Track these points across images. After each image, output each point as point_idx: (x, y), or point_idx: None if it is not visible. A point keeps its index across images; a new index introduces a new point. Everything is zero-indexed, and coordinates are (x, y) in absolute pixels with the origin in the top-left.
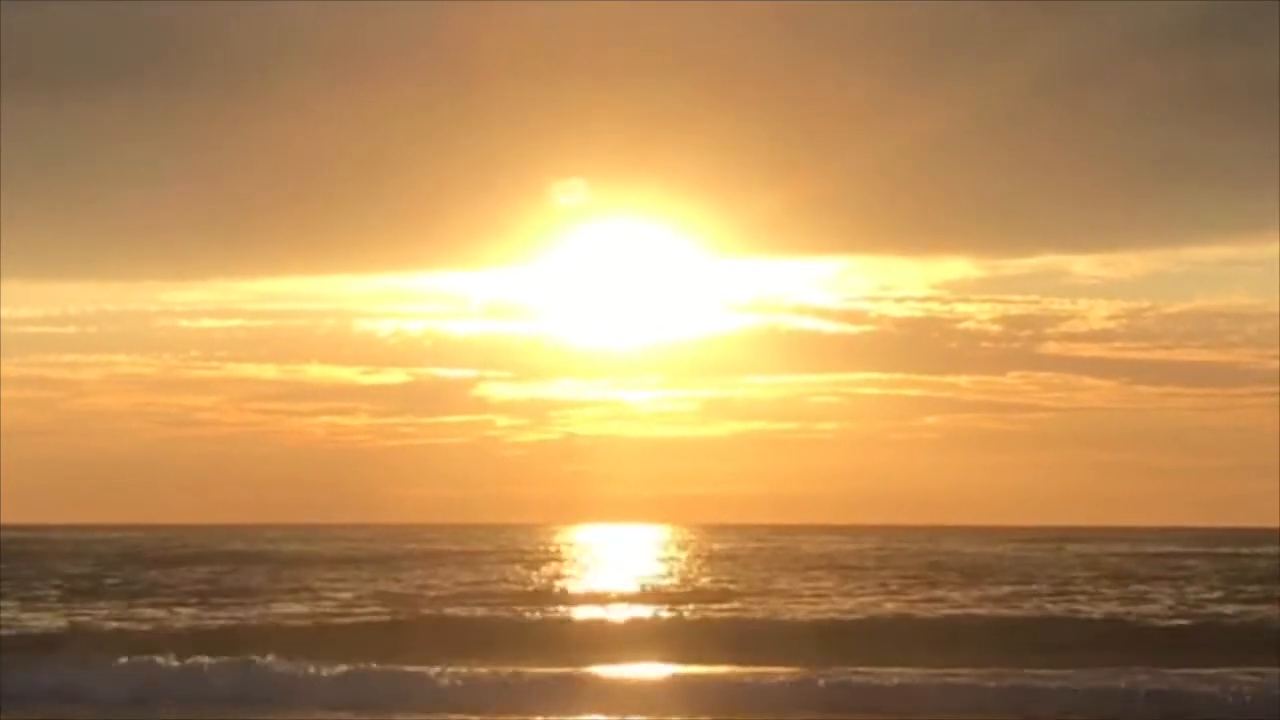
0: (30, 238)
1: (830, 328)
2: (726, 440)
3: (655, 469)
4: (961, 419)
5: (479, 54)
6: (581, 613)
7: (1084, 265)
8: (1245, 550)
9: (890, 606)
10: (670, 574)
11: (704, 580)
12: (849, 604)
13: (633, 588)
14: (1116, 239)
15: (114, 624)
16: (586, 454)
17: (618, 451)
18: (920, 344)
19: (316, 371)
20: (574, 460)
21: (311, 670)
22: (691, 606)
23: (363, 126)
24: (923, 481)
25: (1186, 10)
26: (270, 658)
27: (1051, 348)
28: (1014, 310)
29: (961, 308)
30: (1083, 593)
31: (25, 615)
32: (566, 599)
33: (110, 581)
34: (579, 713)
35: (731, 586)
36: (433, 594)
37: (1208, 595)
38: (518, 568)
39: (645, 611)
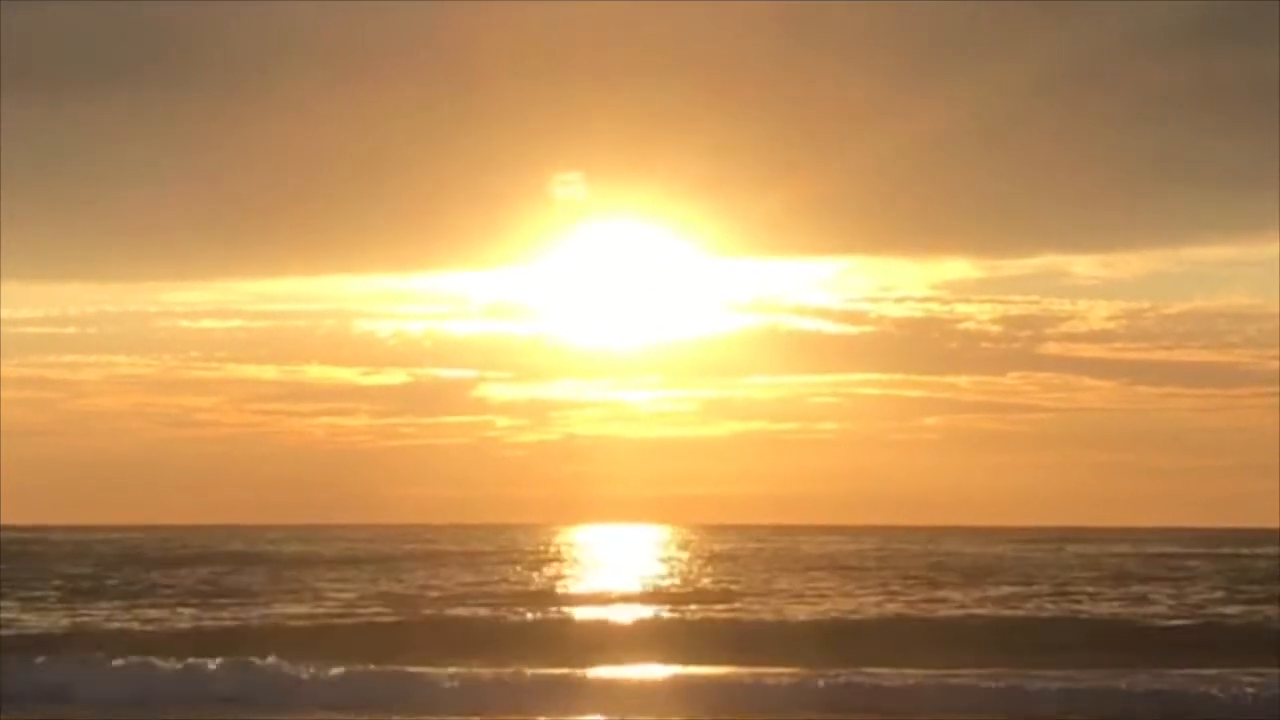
0: (30, 238)
1: (830, 328)
2: (726, 440)
3: (655, 469)
4: (961, 419)
5: (479, 54)
6: (582, 613)
7: (1084, 265)
8: (1246, 551)
9: (890, 607)
10: (671, 574)
11: (704, 581)
12: (849, 604)
13: (633, 588)
14: (1116, 239)
15: (114, 624)
16: (587, 454)
17: (618, 452)
18: (920, 344)
19: (316, 372)
20: (574, 461)
21: (312, 671)
22: (692, 607)
23: (363, 126)
24: (923, 482)
25: (1186, 10)
26: (270, 658)
27: (1051, 348)
28: (1014, 310)
29: (961, 308)
30: (1083, 593)
31: (25, 616)
32: (567, 599)
33: (110, 582)
34: (579, 713)
35: (732, 587)
36: (433, 594)
37: (1208, 596)
38: (518, 568)
39: (646, 612)
